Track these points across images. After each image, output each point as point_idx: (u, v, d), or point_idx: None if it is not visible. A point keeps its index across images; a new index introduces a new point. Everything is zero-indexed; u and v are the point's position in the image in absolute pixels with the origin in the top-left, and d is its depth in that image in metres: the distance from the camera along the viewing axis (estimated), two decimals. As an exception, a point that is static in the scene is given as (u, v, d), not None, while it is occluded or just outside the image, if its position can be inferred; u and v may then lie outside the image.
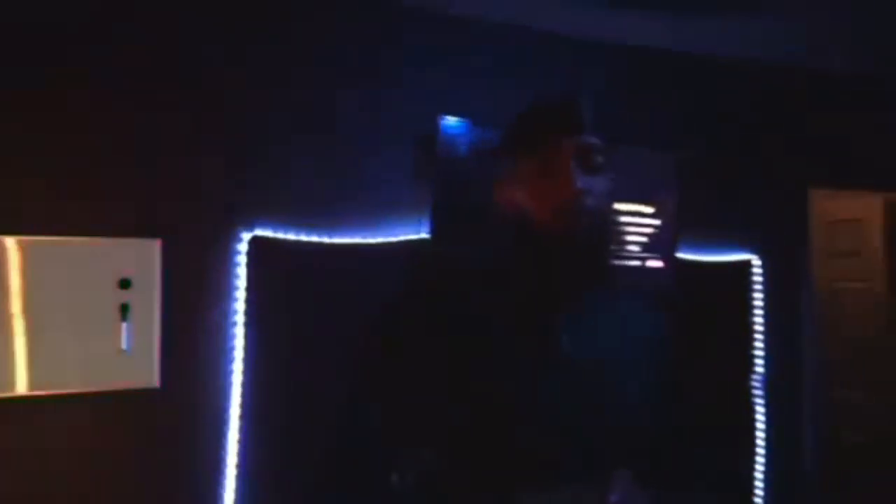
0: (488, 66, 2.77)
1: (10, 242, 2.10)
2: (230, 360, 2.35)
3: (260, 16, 2.47)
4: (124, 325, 2.21)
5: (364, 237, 2.52)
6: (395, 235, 2.56)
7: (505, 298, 1.06)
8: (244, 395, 2.34)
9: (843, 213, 4.01)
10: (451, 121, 2.52)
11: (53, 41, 2.20)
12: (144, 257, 2.25)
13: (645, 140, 2.96)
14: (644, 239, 2.85)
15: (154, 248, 2.26)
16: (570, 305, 1.07)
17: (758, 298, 3.26)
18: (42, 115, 2.18)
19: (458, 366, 1.02)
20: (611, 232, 1.10)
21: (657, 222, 2.87)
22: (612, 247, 1.06)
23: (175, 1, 2.36)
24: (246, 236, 2.39)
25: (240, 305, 2.37)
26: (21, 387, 2.10)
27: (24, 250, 2.11)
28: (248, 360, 2.36)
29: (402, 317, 1.10)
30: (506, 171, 1.10)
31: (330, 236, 2.48)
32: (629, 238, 2.82)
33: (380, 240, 2.54)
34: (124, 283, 2.21)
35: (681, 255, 2.97)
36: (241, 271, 2.38)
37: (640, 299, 1.20)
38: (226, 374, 2.34)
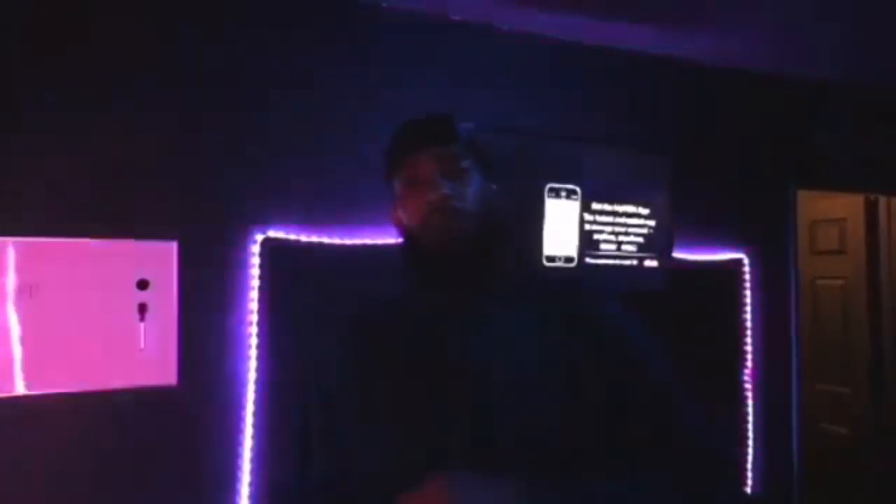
0: (492, 71, 2.86)
1: (33, 244, 2.15)
2: (245, 359, 2.42)
3: (273, 22, 2.53)
4: (143, 324, 2.27)
5: (372, 238, 2.60)
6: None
7: (407, 323, 1.07)
8: (258, 392, 2.41)
9: (828, 212, 4.16)
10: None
11: (70, 44, 2.25)
12: (162, 259, 2.30)
13: (641, 143, 3.07)
14: (640, 239, 2.95)
15: (171, 249, 2.32)
16: (462, 311, 1.05)
17: (747, 295, 3.39)
18: (62, 121, 2.23)
19: (382, 391, 1.03)
20: (495, 233, 1.08)
21: (653, 223, 2.97)
22: (503, 248, 1.10)
23: (186, 7, 2.41)
24: (259, 238, 2.46)
25: (253, 305, 2.44)
26: (42, 384, 2.15)
27: (47, 250, 2.17)
28: (261, 358, 2.43)
29: (344, 345, 1.13)
30: (392, 193, 1.13)
31: (340, 237, 2.56)
32: (627, 238, 2.92)
33: (388, 240, 2.61)
34: (143, 284, 2.27)
35: (675, 254, 3.08)
36: (255, 272, 2.45)
37: (594, 295, 1.12)
38: (241, 372, 2.41)
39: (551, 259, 2.73)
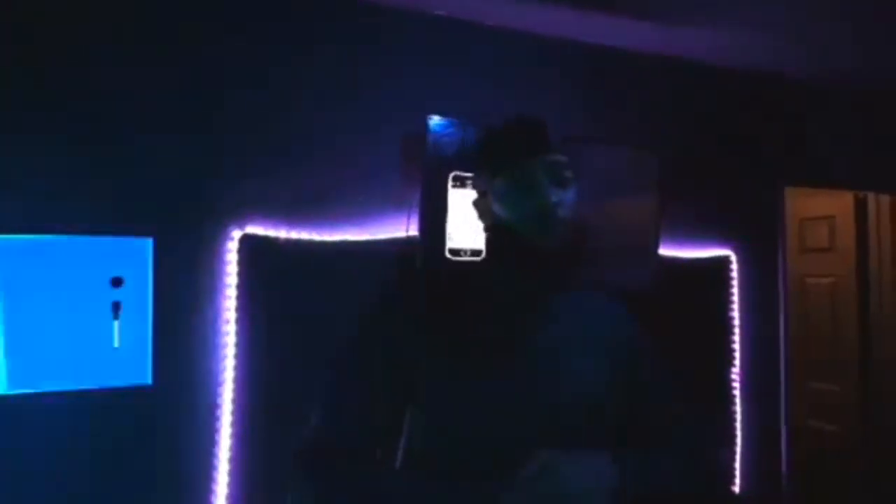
0: (476, 67, 2.83)
1: (4, 241, 2.11)
2: (222, 358, 2.38)
3: (251, 15, 2.49)
4: (116, 323, 2.23)
5: (353, 234, 2.56)
6: (385, 233, 2.60)
7: (484, 302, 1.16)
8: (236, 392, 2.37)
9: (817, 210, 4.13)
10: (438, 120, 2.55)
11: (42, 36, 2.21)
12: (136, 256, 2.26)
13: (628, 140, 3.03)
14: (628, 235, 2.88)
15: (146, 246, 2.28)
16: (542, 306, 1.16)
17: (735, 293, 3.36)
18: (37, 119, 2.19)
19: (440, 362, 1.11)
20: (583, 238, 1.18)
21: (641, 220, 2.90)
22: (585, 252, 1.19)
23: (172, 7, 2.37)
24: (236, 234, 2.42)
25: (231, 303, 2.40)
26: (15, 383, 2.10)
27: (19, 248, 2.12)
28: (239, 357, 2.39)
29: (394, 315, 1.16)
30: (483, 186, 1.20)
31: (319, 233, 2.52)
32: (614, 234, 2.86)
33: (368, 237, 2.58)
34: (117, 282, 2.23)
35: (662, 251, 3.04)
36: (232, 269, 2.41)
37: (611, 299, 1.30)
38: (217, 372, 2.37)
39: (455, 253, 2.58)
